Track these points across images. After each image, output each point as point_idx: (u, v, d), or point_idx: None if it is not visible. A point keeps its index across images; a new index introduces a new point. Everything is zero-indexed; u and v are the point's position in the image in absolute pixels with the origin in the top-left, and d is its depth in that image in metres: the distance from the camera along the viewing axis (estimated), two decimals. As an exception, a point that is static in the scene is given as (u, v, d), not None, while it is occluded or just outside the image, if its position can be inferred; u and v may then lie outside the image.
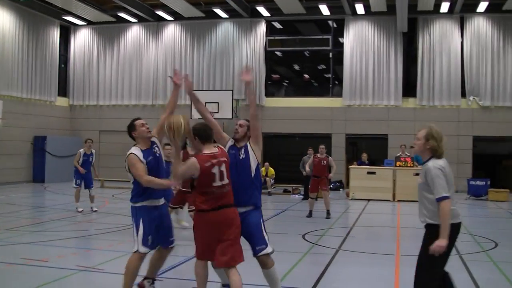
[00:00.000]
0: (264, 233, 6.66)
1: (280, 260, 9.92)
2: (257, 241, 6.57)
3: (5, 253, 10.13)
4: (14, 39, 26.76)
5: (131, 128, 7.13)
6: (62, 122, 30.22)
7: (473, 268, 9.32)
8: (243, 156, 6.74)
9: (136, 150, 6.95)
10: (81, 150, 16.96)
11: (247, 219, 6.60)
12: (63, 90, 31.04)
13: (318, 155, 16.94)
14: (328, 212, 16.16)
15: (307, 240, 12.17)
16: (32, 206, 16.33)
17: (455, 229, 5.65)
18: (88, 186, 16.77)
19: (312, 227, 14.18)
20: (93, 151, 17.08)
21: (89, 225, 13.06)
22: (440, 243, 5.45)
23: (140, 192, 6.93)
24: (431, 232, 5.68)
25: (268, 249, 6.59)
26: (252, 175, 6.72)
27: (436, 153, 5.85)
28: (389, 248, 11.42)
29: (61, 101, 30.65)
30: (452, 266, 9.36)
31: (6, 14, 26.20)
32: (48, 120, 29.03)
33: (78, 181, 16.66)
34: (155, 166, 7.05)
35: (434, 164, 5.75)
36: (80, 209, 16.28)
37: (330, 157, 17.08)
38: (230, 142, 6.94)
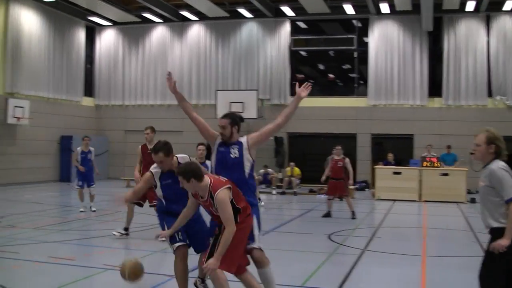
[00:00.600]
0: (256, 231, 6.41)
1: (305, 260, 9.96)
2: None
3: (32, 252, 10.23)
4: (40, 40, 27.05)
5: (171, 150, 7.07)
6: (88, 122, 30.45)
7: None
8: (236, 155, 6.49)
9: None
10: (78, 148, 16.96)
11: None
12: (88, 90, 31.30)
13: (335, 156, 16.72)
14: (353, 213, 16.07)
15: (332, 241, 12.13)
16: (59, 205, 16.48)
17: None
18: (88, 184, 16.63)
19: (338, 227, 14.14)
20: (92, 148, 16.95)
21: (116, 224, 13.12)
22: (502, 241, 5.23)
23: None
24: (498, 237, 5.34)
25: (254, 244, 6.34)
26: (246, 174, 6.49)
27: (500, 156, 5.67)
28: (416, 249, 11.34)
29: (87, 101, 30.92)
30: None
31: (32, 15, 26.48)
32: (74, 120, 29.27)
33: (80, 182, 16.51)
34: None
35: (497, 165, 5.51)
36: (81, 209, 16.09)
37: (347, 159, 16.75)
38: (219, 140, 6.69)
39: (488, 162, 5.56)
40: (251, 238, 6.27)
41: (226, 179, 6.16)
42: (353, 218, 15.88)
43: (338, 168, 16.46)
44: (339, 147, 16.86)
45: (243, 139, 6.65)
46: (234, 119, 6.73)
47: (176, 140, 28.89)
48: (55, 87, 27.98)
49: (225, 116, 6.78)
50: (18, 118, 24.69)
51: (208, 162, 10.98)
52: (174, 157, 7.03)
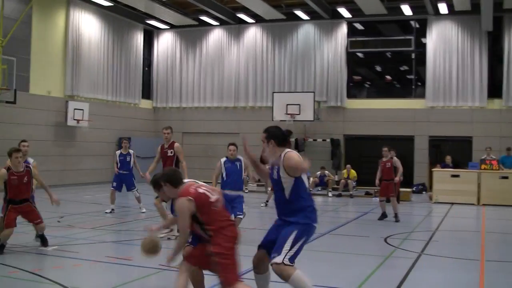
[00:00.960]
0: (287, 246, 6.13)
1: (361, 263, 9.94)
2: None
3: (90, 251, 10.50)
4: (99, 44, 27.69)
5: None
6: (146, 124, 30.95)
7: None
8: (275, 176, 6.24)
9: None
10: (118, 152, 17.11)
11: None
12: (146, 93, 31.83)
13: (383, 158, 16.63)
14: (396, 216, 15.85)
15: (389, 244, 12.05)
16: (117, 205, 16.76)
17: None
18: (128, 188, 16.69)
19: (395, 230, 14.03)
20: (131, 151, 16.85)
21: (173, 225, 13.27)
22: None
23: None
24: None
25: (277, 259, 5.98)
26: (286, 194, 6.18)
27: None
28: (474, 253, 11.19)
29: (145, 104, 31.43)
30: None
31: (92, 19, 27.14)
32: (133, 122, 29.79)
33: (114, 183, 16.55)
34: None
35: None
36: (107, 210, 16.15)
37: (395, 158, 16.65)
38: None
39: None
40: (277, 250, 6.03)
41: (205, 189, 6.21)
42: (396, 221, 15.67)
43: (387, 169, 16.41)
44: (386, 148, 16.76)
45: (281, 158, 6.25)
46: (270, 132, 6.51)
47: (233, 141, 29.25)
48: (114, 90, 28.56)
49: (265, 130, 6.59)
50: (78, 121, 25.31)
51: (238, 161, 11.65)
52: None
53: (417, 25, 28.07)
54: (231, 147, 11.74)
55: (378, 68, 31.39)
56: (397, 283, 8.40)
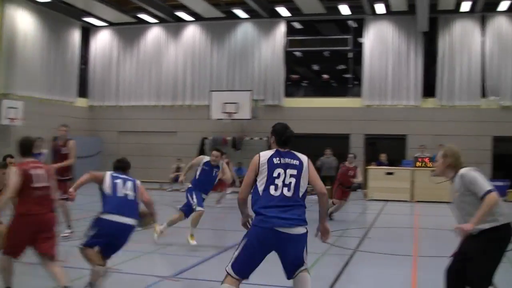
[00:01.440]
0: None
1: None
2: None
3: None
4: (35, 41, 27.02)
5: None
6: (82, 122, 30.31)
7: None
8: None
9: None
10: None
11: None
12: (83, 91, 31.20)
13: (347, 163, 16.39)
14: (330, 214, 15.63)
15: (324, 241, 12.11)
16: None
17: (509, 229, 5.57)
18: None
19: (330, 228, 14.10)
20: (44, 151, 16.38)
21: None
22: (466, 226, 5.44)
23: None
24: (488, 237, 5.54)
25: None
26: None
27: (456, 168, 5.80)
28: (407, 249, 11.36)
29: (81, 102, 30.84)
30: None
31: (27, 16, 26.47)
32: (68, 120, 28.63)
33: None
34: None
35: (464, 170, 5.74)
36: None
37: (358, 169, 16.40)
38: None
39: (453, 176, 5.74)
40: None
41: (38, 173, 6.75)
42: (330, 219, 15.63)
43: (349, 177, 16.12)
44: (352, 155, 16.69)
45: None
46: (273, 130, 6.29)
47: (171, 141, 29.11)
48: (49, 88, 27.92)
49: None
50: (12, 119, 24.64)
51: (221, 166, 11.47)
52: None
53: (355, 25, 28.38)
54: (215, 153, 11.44)
55: (316, 67, 31.66)
56: (332, 280, 8.46)
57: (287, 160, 5.94)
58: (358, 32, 28.09)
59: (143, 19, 29.62)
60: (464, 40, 26.61)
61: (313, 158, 17.36)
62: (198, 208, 10.89)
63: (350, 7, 26.48)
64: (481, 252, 5.52)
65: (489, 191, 5.44)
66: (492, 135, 25.84)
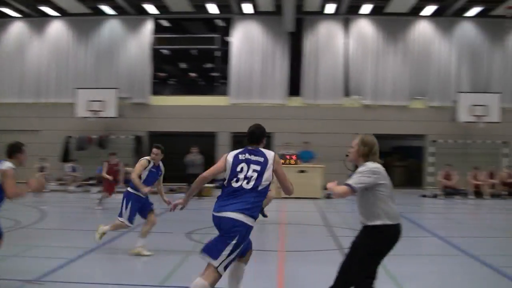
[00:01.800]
0: None
1: (164, 260, 9.77)
2: None
3: None
4: None
5: None
6: None
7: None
8: None
9: None
10: None
11: None
12: None
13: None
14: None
15: (191, 239, 12.03)
16: None
17: (393, 230, 5.66)
18: None
19: (196, 225, 14.04)
20: None
21: None
22: (330, 184, 5.75)
23: None
24: (368, 232, 5.69)
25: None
26: None
27: (367, 158, 5.84)
28: (274, 244, 11.46)
29: None
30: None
31: None
32: None
33: None
34: None
35: (368, 165, 5.78)
36: None
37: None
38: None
39: (361, 165, 5.81)
40: None
41: None
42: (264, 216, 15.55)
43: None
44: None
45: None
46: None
47: (34, 139, 27.81)
48: None
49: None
50: None
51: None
52: None
53: (223, 24, 28.49)
54: (155, 150, 10.90)
55: (184, 65, 31.54)
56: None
57: (252, 157, 6.46)
58: (226, 31, 28.21)
59: (5, 13, 28.17)
60: (328, 41, 27.45)
61: (179, 156, 17.30)
62: (124, 221, 10.35)
63: (219, 6, 26.55)
64: (363, 245, 5.66)
65: (346, 184, 5.56)
66: (354, 133, 26.60)
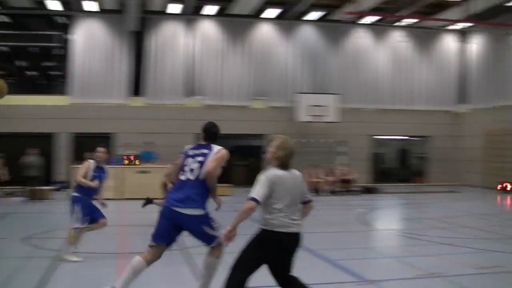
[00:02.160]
0: None
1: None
2: None
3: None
4: None
5: None
6: None
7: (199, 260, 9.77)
8: None
9: None
10: None
11: None
12: None
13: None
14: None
15: (30, 245, 11.77)
16: None
17: (278, 237, 5.87)
18: None
19: (32, 230, 13.74)
20: None
21: None
22: (225, 230, 5.92)
23: None
24: (258, 234, 6.00)
25: None
26: None
27: (281, 163, 6.01)
28: (113, 246, 11.48)
29: None
30: (177, 259, 9.76)
31: None
32: None
33: None
34: None
35: (268, 172, 5.96)
36: None
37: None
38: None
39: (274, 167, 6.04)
40: None
41: None
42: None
43: None
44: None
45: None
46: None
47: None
48: None
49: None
50: None
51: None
52: None
53: (66, 21, 27.67)
54: (101, 149, 10.56)
55: (21, 63, 30.40)
56: (34, 283, 8.27)
57: (199, 151, 7.09)
58: (68, 29, 27.49)
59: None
60: (172, 41, 27.66)
61: (15, 158, 16.74)
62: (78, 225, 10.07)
63: (61, 3, 25.83)
64: (250, 245, 6.01)
65: (250, 198, 5.79)
66: (195, 133, 26.98)
